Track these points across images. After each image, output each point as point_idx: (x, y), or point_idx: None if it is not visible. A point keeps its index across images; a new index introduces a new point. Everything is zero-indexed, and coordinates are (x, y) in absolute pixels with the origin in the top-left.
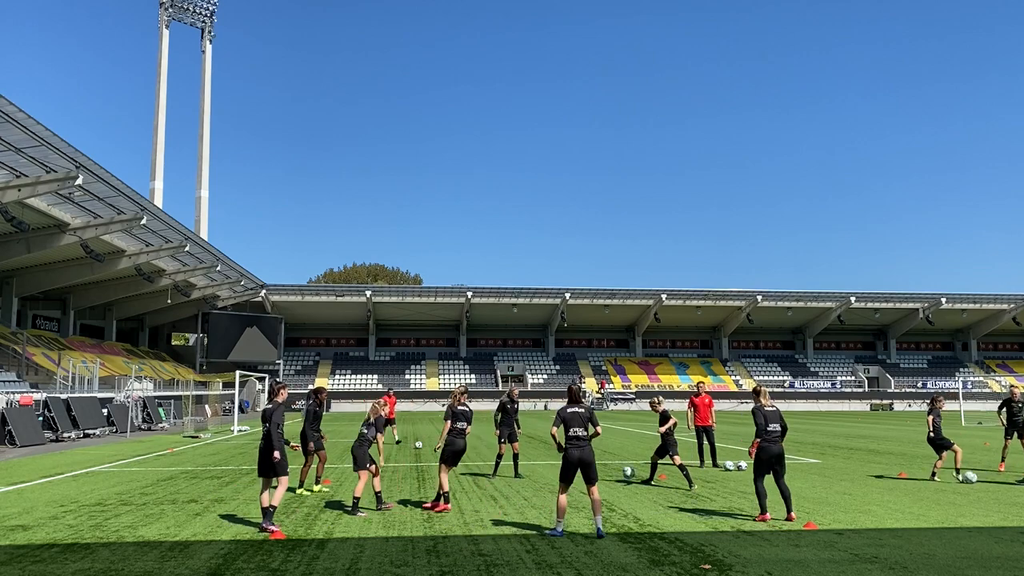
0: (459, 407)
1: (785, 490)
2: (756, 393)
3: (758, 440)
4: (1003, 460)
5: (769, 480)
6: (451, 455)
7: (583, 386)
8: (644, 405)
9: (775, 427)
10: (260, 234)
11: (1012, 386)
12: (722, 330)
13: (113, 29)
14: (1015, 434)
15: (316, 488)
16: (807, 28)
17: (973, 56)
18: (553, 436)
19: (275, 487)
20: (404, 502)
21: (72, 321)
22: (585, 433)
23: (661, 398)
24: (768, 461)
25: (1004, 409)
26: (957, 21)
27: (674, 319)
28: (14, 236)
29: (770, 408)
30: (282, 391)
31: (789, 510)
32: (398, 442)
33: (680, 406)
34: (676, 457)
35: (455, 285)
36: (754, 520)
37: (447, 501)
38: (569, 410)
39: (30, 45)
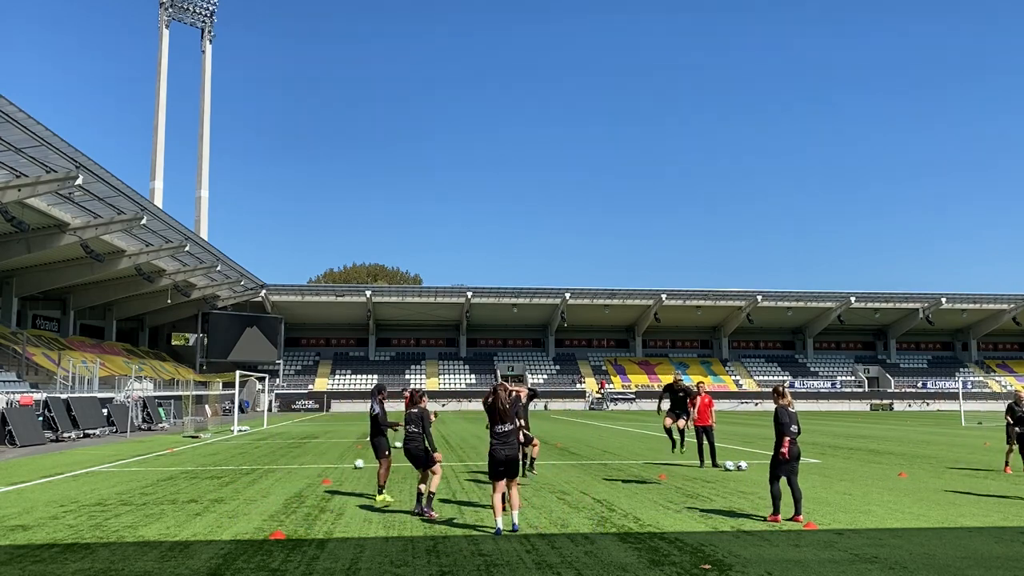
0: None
1: (798, 491)
2: (778, 393)
3: (788, 439)
4: (1008, 464)
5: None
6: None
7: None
8: (644, 405)
9: (796, 428)
10: (260, 234)
11: (1018, 390)
12: (722, 330)
13: (113, 29)
14: (1016, 444)
15: (380, 498)
16: (810, 26)
17: (973, 54)
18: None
19: (432, 475)
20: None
21: (72, 321)
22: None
23: (680, 375)
24: (788, 463)
25: (1009, 412)
26: (958, 19)
27: (674, 319)
28: (14, 236)
29: (792, 410)
30: (423, 399)
31: (798, 512)
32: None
33: None
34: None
35: (455, 285)
36: (765, 520)
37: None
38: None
39: (30, 45)
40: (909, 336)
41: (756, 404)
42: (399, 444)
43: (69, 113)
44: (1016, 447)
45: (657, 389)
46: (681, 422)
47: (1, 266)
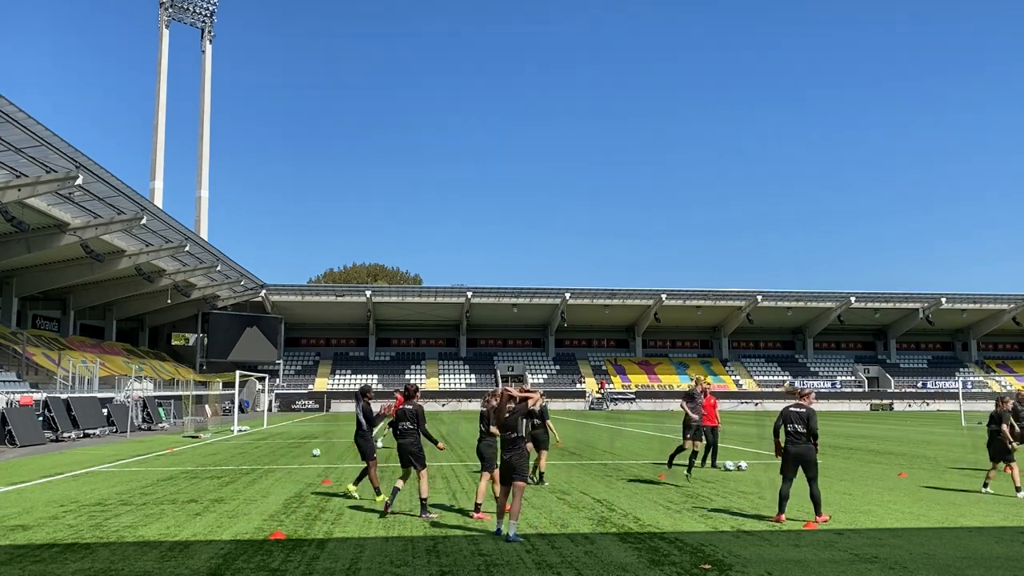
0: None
1: (815, 495)
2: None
3: (776, 440)
4: (1008, 464)
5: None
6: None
7: (511, 386)
8: (644, 405)
9: (793, 427)
10: (260, 234)
11: (1019, 390)
12: (722, 330)
13: (113, 29)
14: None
15: (379, 499)
16: (809, 25)
17: (973, 53)
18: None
19: (419, 479)
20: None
21: (72, 321)
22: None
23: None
24: (788, 463)
25: (1013, 414)
26: (959, 14)
27: (674, 319)
28: (14, 236)
29: (796, 409)
30: (418, 393)
31: (816, 514)
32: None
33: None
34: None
35: (455, 285)
36: (771, 520)
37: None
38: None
39: (31, 44)
40: (909, 336)
41: (756, 404)
42: (380, 444)
43: (69, 113)
44: (1017, 445)
45: (657, 389)
46: (699, 445)
47: (1, 266)
